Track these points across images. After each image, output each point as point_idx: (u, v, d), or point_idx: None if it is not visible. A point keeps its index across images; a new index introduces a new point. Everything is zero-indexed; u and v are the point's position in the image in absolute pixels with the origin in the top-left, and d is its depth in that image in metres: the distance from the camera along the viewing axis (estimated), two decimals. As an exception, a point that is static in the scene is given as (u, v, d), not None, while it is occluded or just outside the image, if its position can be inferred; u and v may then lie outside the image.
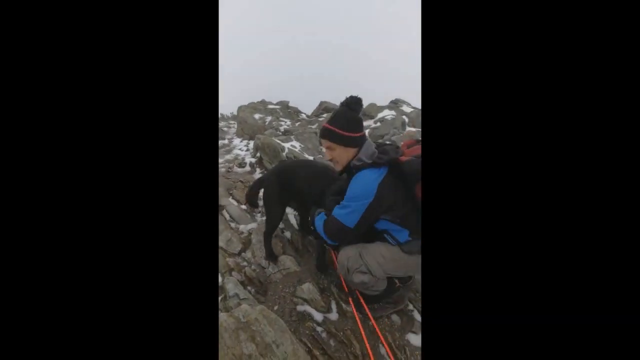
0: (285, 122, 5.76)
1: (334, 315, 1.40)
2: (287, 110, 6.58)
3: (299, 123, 5.83)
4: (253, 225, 2.00)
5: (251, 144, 3.99)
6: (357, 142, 1.30)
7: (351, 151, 1.30)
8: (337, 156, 1.32)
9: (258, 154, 3.19)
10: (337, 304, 1.46)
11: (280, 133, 4.58)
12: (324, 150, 1.42)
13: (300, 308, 1.40)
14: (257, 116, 5.63)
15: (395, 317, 1.43)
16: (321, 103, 6.77)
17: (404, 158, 1.19)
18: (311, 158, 3.30)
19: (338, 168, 1.37)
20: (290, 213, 2.08)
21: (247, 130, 4.91)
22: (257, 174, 2.93)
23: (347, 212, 1.19)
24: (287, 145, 3.30)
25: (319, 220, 1.30)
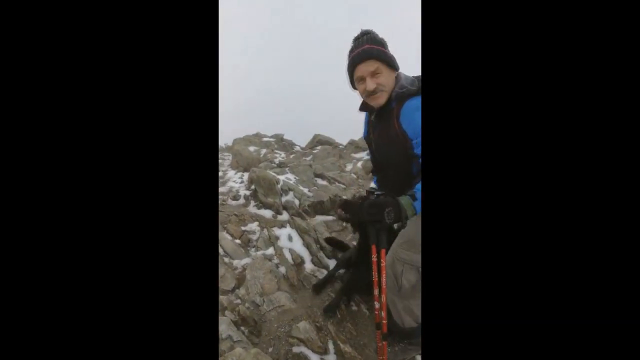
0: (280, 154, 5.84)
1: (331, 357, 1.34)
2: (281, 142, 6.70)
3: (293, 155, 5.92)
4: (247, 260, 1.96)
5: (245, 176, 4.01)
6: (397, 65, 1.16)
7: (393, 76, 1.15)
8: (385, 81, 1.12)
9: (253, 187, 3.20)
10: (335, 343, 1.40)
11: (275, 165, 4.63)
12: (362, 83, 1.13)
13: (296, 349, 1.33)
14: (252, 149, 5.71)
15: (419, 358, 1.37)
16: (315, 136, 6.93)
17: None
18: (306, 190, 3.32)
19: (381, 100, 1.14)
20: (285, 247, 2.05)
21: (242, 163, 4.95)
22: (252, 207, 2.92)
23: None
24: (282, 177, 3.32)
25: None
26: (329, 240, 2.09)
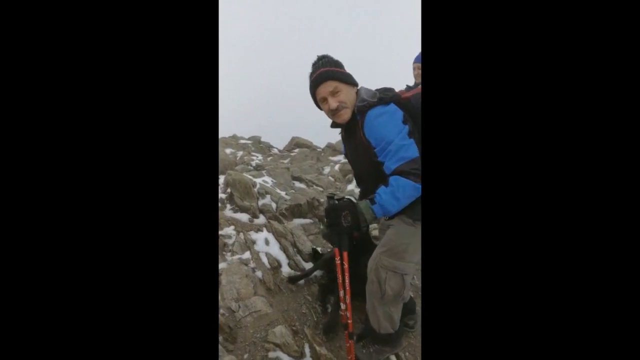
0: (257, 157, 5.77)
1: (307, 360, 1.34)
2: (259, 145, 6.62)
3: (270, 158, 5.87)
4: (223, 265, 1.92)
5: (222, 179, 3.93)
6: (355, 81, 1.23)
7: (354, 91, 1.22)
8: (345, 98, 1.18)
9: (229, 190, 3.14)
10: (311, 347, 1.41)
11: (252, 168, 4.57)
12: (328, 103, 1.19)
13: (272, 355, 1.33)
14: (228, 151, 5.61)
15: (393, 358, 1.40)
16: (293, 138, 6.92)
17: (406, 95, 1.15)
18: (283, 193, 3.30)
19: (346, 116, 1.19)
20: (262, 252, 2.03)
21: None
22: (228, 211, 2.86)
23: (403, 147, 1.04)
24: (258, 180, 3.29)
25: (383, 202, 1.04)
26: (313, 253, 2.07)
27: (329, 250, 2.10)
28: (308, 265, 1.99)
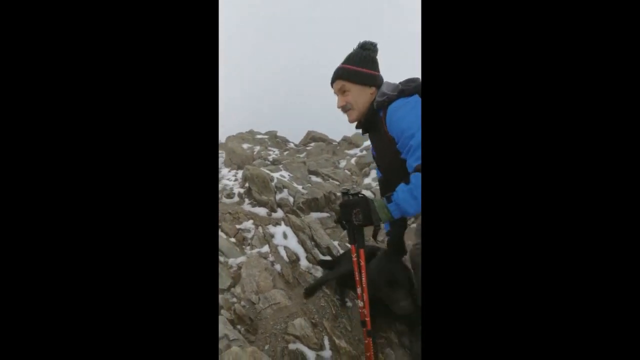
0: (274, 151, 5.82)
1: (327, 353, 1.36)
2: (275, 139, 6.67)
3: (287, 152, 5.90)
4: (242, 258, 1.96)
5: (239, 173, 3.99)
6: (375, 81, 1.16)
7: (368, 92, 1.16)
8: (352, 99, 1.15)
9: (247, 184, 3.19)
10: (330, 339, 1.42)
11: (269, 162, 4.62)
12: (338, 98, 1.19)
13: (292, 346, 1.35)
14: (245, 146, 5.68)
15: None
16: (308, 132, 6.91)
17: None
18: (300, 187, 3.32)
19: (352, 116, 1.18)
20: (280, 245, 2.06)
21: (235, 160, 4.92)
22: (246, 205, 2.91)
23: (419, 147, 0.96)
24: (276, 175, 3.32)
25: (399, 200, 0.98)
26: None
27: (342, 251, 2.07)
28: (326, 259, 2.00)
